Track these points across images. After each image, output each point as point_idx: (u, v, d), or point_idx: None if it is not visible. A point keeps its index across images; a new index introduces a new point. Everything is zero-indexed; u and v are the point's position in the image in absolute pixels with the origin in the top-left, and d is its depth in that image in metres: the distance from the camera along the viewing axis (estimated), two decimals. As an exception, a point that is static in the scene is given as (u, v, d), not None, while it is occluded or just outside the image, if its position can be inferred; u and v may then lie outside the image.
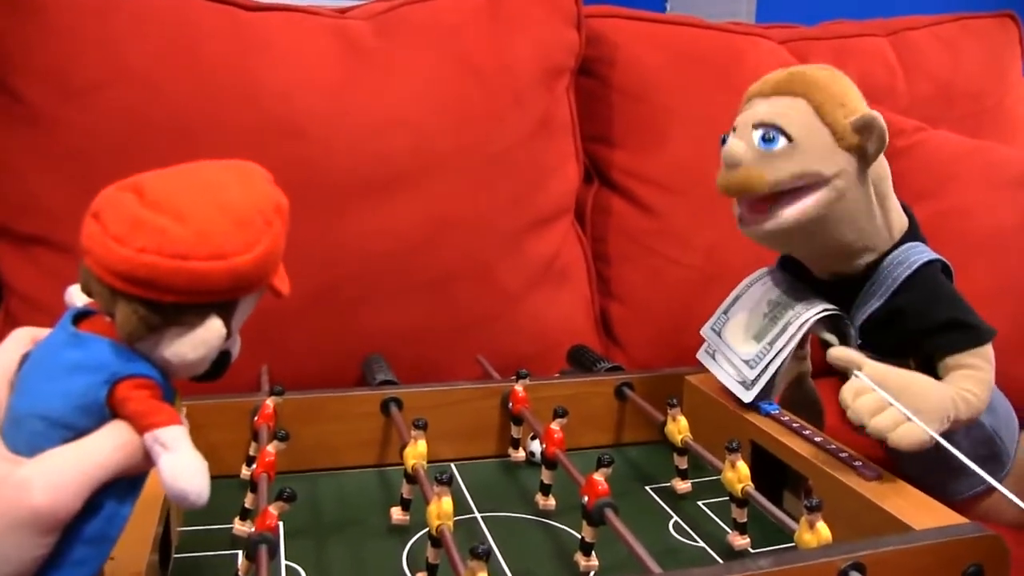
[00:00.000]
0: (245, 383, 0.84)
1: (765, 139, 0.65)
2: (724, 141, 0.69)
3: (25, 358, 0.42)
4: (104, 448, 0.39)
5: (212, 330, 0.40)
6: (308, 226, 0.89)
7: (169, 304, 0.38)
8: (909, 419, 0.60)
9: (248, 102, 0.89)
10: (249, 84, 0.89)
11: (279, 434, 0.64)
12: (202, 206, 0.39)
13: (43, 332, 0.43)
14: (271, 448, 0.62)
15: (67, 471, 0.38)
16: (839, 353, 0.65)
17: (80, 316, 0.42)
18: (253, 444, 0.70)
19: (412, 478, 0.64)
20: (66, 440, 0.39)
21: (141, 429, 0.39)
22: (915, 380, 0.63)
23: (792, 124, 0.65)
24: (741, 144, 0.66)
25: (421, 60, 0.96)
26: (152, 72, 0.87)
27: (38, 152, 0.85)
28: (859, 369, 0.63)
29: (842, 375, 0.66)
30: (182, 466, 0.39)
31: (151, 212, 0.38)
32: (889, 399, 0.60)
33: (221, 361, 0.43)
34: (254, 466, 0.62)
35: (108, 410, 0.39)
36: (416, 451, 0.64)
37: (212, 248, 0.38)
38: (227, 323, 0.40)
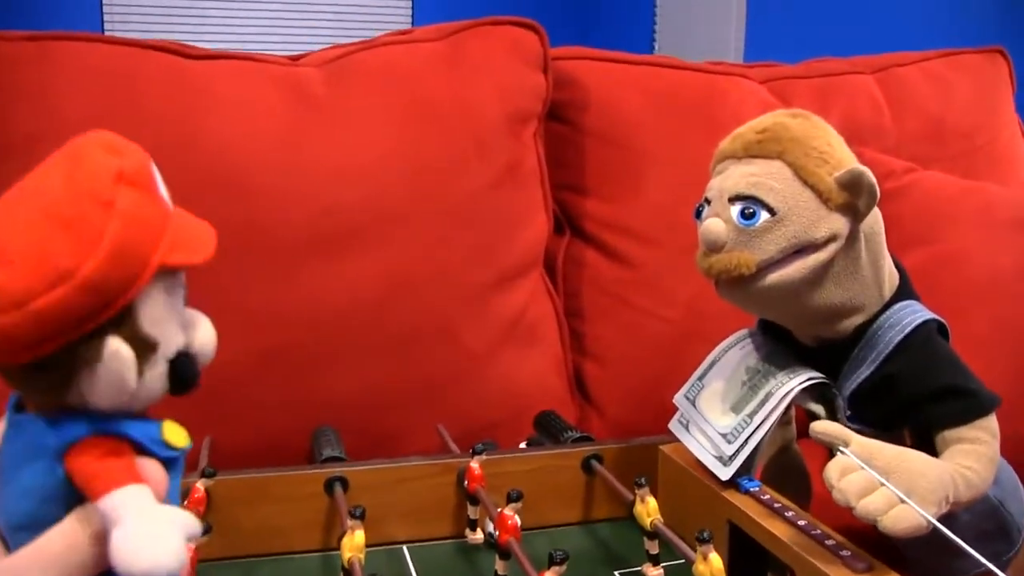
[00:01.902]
0: (187, 457, 0.77)
1: (744, 215, 0.60)
2: (698, 214, 0.63)
3: None
4: (56, 536, 0.34)
5: (115, 356, 0.34)
6: (255, 287, 0.84)
7: (53, 355, 0.33)
8: (903, 501, 0.53)
9: (192, 156, 0.84)
10: (193, 137, 0.84)
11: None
12: (25, 228, 0.33)
13: None
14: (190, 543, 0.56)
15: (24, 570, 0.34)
16: (822, 428, 0.58)
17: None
18: (180, 533, 0.64)
19: (350, 572, 0.58)
20: None
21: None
22: (908, 457, 0.57)
23: (772, 194, 0.59)
24: (720, 223, 0.60)
25: (375, 108, 0.91)
26: (90, 125, 0.81)
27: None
28: (845, 445, 0.56)
29: (828, 450, 0.59)
30: (124, 540, 0.33)
31: None
32: (879, 479, 0.54)
33: (182, 367, 0.37)
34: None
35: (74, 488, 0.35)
36: (353, 543, 0.58)
37: (49, 274, 0.32)
38: (134, 335, 0.35)
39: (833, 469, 0.55)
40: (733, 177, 0.62)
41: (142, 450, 0.36)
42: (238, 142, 0.86)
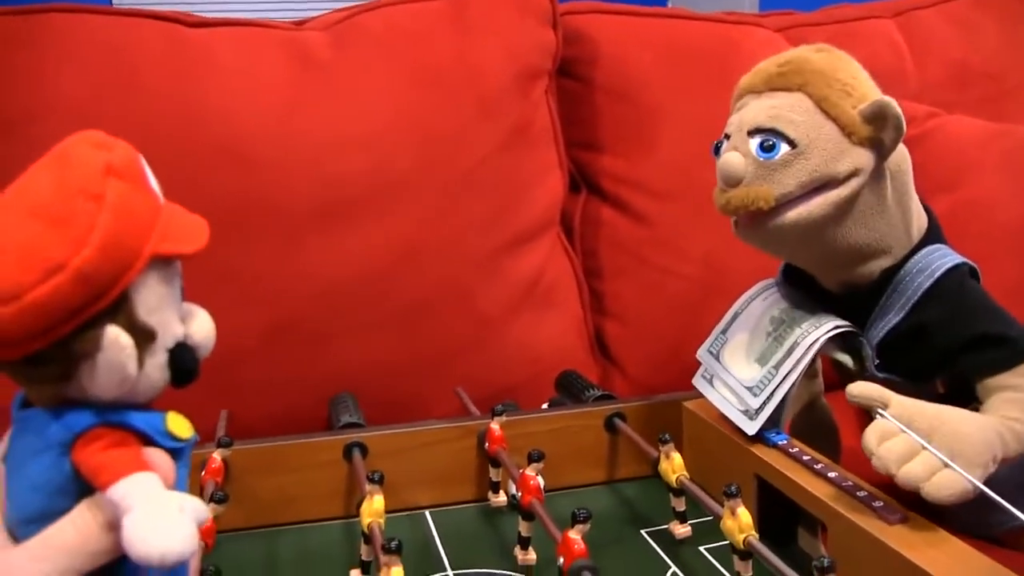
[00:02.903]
0: (203, 431, 0.77)
1: (764, 148, 0.57)
2: (717, 150, 0.61)
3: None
4: (67, 526, 0.34)
5: (115, 344, 0.34)
6: (263, 258, 0.82)
7: (52, 348, 0.33)
8: (947, 465, 0.51)
9: (194, 128, 0.82)
10: (195, 108, 0.83)
11: (215, 496, 0.58)
12: (16, 227, 0.33)
13: None
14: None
15: (28, 562, 0.34)
16: (860, 390, 0.56)
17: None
18: (199, 504, 0.64)
19: (369, 538, 0.57)
20: None
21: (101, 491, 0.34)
22: (950, 417, 0.54)
23: (793, 126, 0.57)
24: (738, 157, 0.58)
25: (379, 74, 0.89)
26: (86, 101, 0.80)
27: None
28: (884, 408, 0.54)
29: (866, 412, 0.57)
30: (135, 527, 0.33)
31: None
32: (921, 442, 0.51)
33: (181, 357, 0.37)
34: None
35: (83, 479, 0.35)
36: (372, 508, 0.57)
37: (41, 267, 0.32)
38: (131, 324, 0.34)
39: (871, 435, 0.53)
40: (753, 110, 0.60)
41: (147, 441, 0.36)
42: (241, 112, 0.84)
